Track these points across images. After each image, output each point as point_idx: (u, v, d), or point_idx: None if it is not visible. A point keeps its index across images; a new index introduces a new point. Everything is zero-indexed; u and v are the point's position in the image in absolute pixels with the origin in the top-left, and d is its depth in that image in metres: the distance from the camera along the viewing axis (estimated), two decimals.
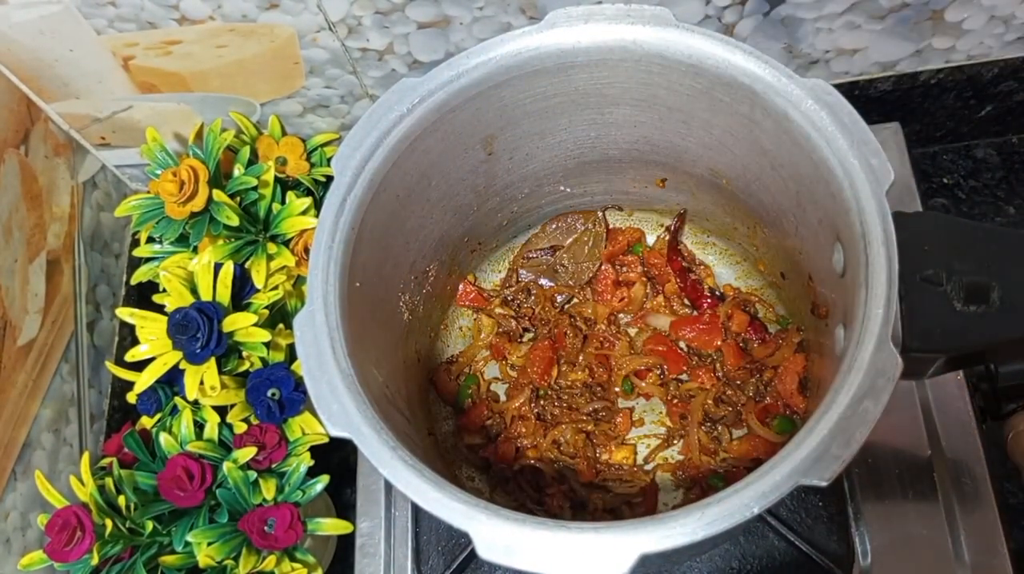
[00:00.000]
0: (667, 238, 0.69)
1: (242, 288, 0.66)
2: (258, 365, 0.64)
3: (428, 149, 0.52)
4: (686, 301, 0.67)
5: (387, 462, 0.41)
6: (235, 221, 0.64)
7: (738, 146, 0.53)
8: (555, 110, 0.55)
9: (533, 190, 0.64)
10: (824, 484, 0.37)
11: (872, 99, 0.73)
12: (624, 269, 0.70)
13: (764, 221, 0.59)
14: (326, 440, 0.62)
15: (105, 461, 0.63)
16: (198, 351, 0.60)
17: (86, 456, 0.62)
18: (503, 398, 0.67)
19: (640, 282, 0.68)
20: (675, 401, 0.64)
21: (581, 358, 0.66)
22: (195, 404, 0.63)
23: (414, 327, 0.62)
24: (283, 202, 0.69)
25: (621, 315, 0.69)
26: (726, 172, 0.57)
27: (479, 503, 0.39)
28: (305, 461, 0.62)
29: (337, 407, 0.43)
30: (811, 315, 0.55)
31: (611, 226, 0.70)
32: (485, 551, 0.38)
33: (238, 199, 0.67)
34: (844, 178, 0.43)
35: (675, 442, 0.64)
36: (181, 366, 0.61)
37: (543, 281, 0.70)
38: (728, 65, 0.47)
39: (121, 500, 0.60)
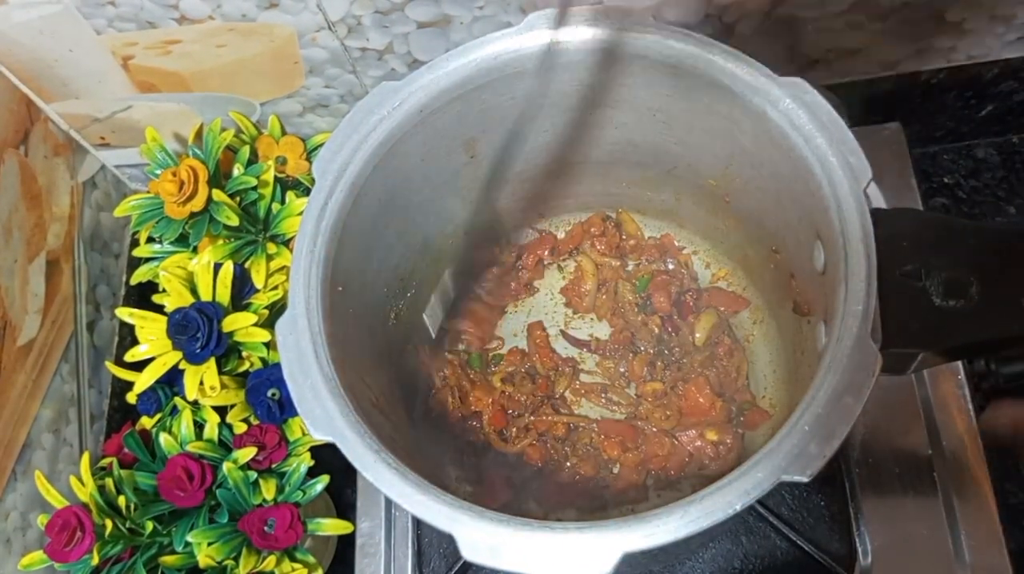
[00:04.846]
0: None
1: (242, 288, 0.66)
2: (258, 365, 0.64)
3: (409, 152, 0.51)
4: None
5: (370, 466, 0.41)
6: (235, 221, 0.64)
7: (719, 146, 0.53)
8: (536, 112, 0.55)
9: (517, 192, 0.64)
10: (806, 480, 0.37)
11: (873, 99, 0.73)
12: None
13: (747, 220, 0.59)
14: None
15: (105, 461, 0.63)
16: (198, 351, 0.60)
17: (86, 456, 0.62)
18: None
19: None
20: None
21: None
22: (195, 404, 0.63)
23: (399, 329, 0.61)
24: (283, 202, 0.69)
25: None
26: (708, 172, 0.57)
27: (463, 505, 0.39)
28: (305, 461, 0.62)
29: (320, 411, 0.43)
30: (793, 314, 0.55)
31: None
32: (469, 552, 0.38)
33: (238, 199, 0.67)
34: (823, 176, 0.44)
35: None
36: (181, 366, 0.61)
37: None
38: (707, 65, 0.47)
39: (121, 500, 0.60)
